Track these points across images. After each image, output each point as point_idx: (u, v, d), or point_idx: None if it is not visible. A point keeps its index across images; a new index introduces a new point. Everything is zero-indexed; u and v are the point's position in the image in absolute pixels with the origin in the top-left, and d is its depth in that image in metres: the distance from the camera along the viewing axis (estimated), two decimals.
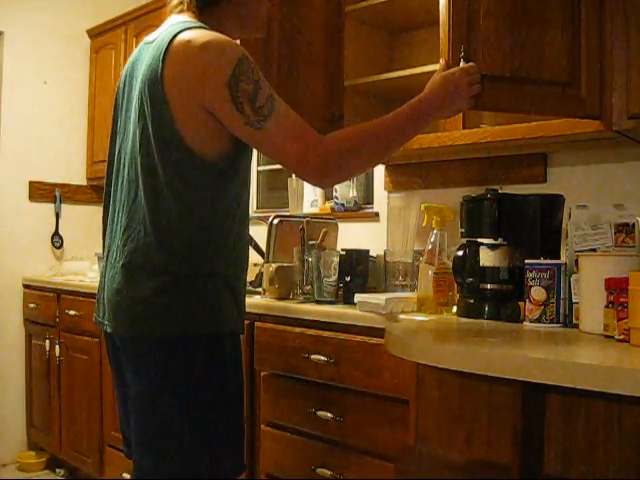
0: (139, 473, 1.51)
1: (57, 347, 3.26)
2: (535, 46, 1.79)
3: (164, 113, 1.42)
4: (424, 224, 2.06)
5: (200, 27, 1.49)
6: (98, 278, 1.66)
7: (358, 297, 1.92)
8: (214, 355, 1.50)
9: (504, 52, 1.83)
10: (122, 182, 1.54)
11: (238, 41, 1.65)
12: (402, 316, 1.83)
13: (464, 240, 1.84)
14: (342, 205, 2.76)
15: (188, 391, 1.46)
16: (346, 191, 2.77)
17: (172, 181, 1.45)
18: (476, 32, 1.72)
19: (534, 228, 1.76)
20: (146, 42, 1.56)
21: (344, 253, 2.17)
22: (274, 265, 2.30)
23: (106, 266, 1.58)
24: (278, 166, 3.30)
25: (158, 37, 1.50)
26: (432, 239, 1.98)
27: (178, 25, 1.48)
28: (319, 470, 1.96)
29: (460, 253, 1.80)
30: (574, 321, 1.55)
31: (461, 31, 1.69)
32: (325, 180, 1.51)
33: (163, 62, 1.42)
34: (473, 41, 1.71)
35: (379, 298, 1.86)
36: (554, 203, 1.79)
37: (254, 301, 2.27)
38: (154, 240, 1.46)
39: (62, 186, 3.75)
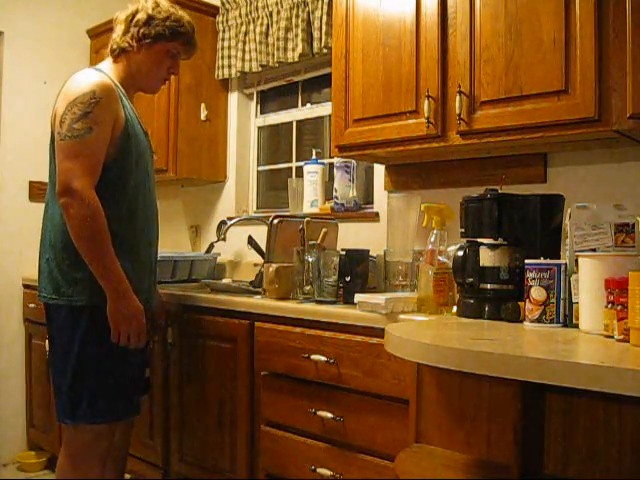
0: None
1: None
2: (528, 64, 1.81)
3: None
4: (424, 224, 2.06)
5: (95, 69, 2.02)
6: None
7: (358, 297, 1.92)
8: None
9: (499, 77, 1.86)
10: None
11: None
12: (402, 316, 1.82)
13: (464, 240, 1.84)
14: (342, 205, 2.76)
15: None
16: (346, 191, 2.76)
17: None
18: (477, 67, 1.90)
19: (534, 228, 1.76)
20: None
21: (344, 253, 2.17)
22: (274, 265, 2.29)
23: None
24: (278, 166, 3.32)
25: None
26: (432, 239, 1.98)
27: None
28: (319, 470, 1.96)
29: (460, 253, 1.80)
30: (574, 321, 1.55)
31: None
32: (62, 203, 1.83)
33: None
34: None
35: (379, 298, 1.86)
36: (554, 203, 1.79)
37: (254, 301, 2.27)
38: None
39: None
